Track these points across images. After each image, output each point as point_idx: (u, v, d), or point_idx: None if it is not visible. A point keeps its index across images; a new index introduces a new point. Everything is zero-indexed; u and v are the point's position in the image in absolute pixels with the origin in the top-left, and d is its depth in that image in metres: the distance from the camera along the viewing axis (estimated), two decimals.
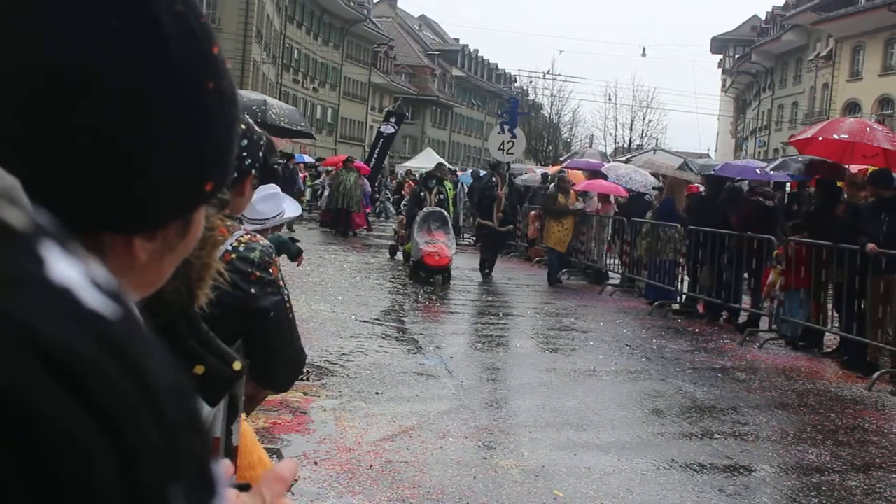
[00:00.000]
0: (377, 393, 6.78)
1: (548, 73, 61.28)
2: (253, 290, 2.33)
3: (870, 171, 9.83)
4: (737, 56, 63.06)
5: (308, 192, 27.50)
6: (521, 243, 19.28)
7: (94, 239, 0.59)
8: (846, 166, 10.49)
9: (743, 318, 11.40)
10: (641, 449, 5.85)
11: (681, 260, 12.91)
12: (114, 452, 0.42)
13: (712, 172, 13.36)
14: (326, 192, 23.69)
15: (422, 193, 14.74)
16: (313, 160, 33.77)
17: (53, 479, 0.40)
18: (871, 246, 8.61)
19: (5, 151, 0.53)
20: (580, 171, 17.69)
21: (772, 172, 12.31)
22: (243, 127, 2.30)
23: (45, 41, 0.54)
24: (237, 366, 1.71)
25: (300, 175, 24.76)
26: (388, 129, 29.35)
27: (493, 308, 12.03)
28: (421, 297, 12.36)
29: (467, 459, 5.36)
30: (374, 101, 63.42)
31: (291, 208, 3.70)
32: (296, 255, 5.65)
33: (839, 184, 10.30)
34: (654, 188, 15.32)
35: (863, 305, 9.10)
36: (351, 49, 58.77)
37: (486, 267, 15.19)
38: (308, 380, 6.77)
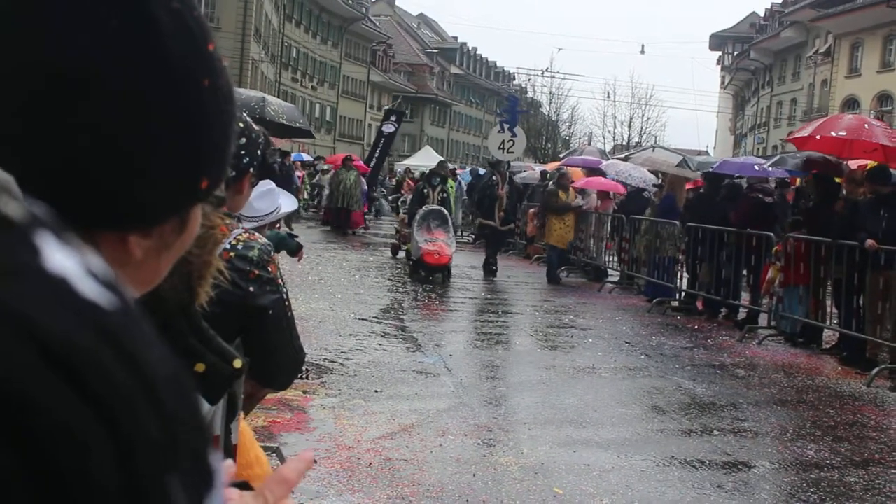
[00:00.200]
0: (376, 391, 6.78)
1: (546, 70, 61.41)
2: (251, 289, 2.33)
3: (868, 167, 9.83)
4: (736, 53, 62.92)
5: (306, 192, 27.44)
6: (521, 241, 19.27)
7: (88, 235, 0.58)
8: (844, 162, 10.48)
9: (742, 314, 11.40)
10: (641, 446, 5.85)
11: (680, 257, 12.92)
12: (111, 443, 0.42)
13: (711, 169, 13.37)
14: (326, 192, 23.67)
15: (425, 191, 14.70)
16: (312, 159, 33.70)
17: (51, 470, 0.40)
18: (870, 242, 8.62)
19: (5, 151, 0.53)
20: (579, 169, 17.69)
21: (770, 169, 12.30)
22: (241, 125, 2.30)
23: (45, 41, 0.54)
24: (237, 364, 1.71)
25: (297, 173, 24.72)
26: (389, 127, 29.16)
27: (492, 306, 12.03)
28: (420, 295, 12.36)
29: (467, 457, 5.36)
30: (373, 99, 63.38)
31: (288, 203, 3.69)
32: (296, 251, 5.59)
33: (838, 180, 10.30)
34: (654, 185, 15.31)
35: (861, 302, 9.10)
36: (349, 47, 58.71)
37: (492, 264, 15.18)
38: (307, 378, 6.78)
